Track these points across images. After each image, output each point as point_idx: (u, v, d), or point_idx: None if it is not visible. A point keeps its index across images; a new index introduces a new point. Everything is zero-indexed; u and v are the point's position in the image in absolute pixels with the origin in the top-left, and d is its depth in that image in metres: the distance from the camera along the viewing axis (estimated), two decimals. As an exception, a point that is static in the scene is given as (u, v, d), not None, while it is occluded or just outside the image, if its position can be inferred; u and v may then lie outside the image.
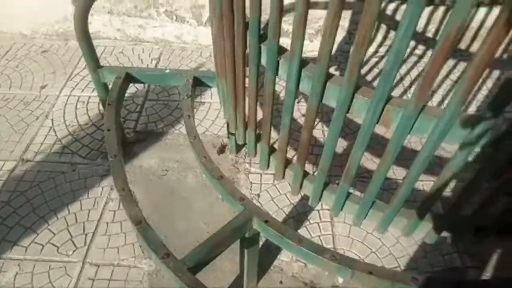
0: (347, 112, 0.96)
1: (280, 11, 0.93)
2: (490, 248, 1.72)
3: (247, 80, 1.22)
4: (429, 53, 2.64)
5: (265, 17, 1.66)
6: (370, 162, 2.02)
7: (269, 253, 1.71)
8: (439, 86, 2.45)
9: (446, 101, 2.33)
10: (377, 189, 1.08)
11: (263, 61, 1.08)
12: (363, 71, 2.55)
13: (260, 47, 1.06)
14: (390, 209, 1.13)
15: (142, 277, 1.61)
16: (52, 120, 2.19)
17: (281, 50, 1.02)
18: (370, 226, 1.76)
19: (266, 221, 1.22)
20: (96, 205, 1.83)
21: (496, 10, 2.44)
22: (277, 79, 1.09)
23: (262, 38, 1.06)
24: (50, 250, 1.68)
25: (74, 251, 1.68)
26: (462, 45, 2.60)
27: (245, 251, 1.37)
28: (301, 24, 0.89)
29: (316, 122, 2.18)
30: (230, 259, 1.68)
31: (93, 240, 1.72)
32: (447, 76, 2.52)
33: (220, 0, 1.11)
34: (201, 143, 1.47)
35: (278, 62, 1.03)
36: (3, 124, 2.16)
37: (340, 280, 1.64)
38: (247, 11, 1.04)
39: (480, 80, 2.44)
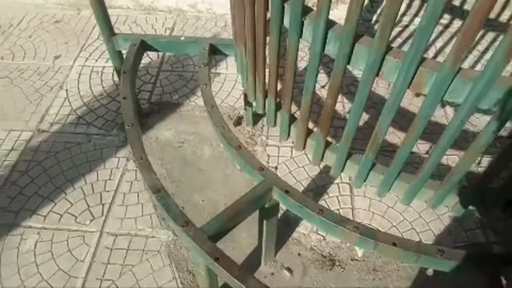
0: (377, 75, 0.91)
1: (307, -35, 0.87)
2: (515, 223, 1.67)
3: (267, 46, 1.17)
4: (455, 22, 2.52)
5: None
6: (392, 135, 1.95)
7: (287, 225, 1.69)
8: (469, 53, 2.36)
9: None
10: (405, 157, 1.03)
11: (286, 22, 1.02)
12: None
13: (283, 7, 1.00)
14: (417, 180, 1.08)
15: (160, 247, 1.61)
16: (66, 90, 2.17)
17: (306, 10, 0.96)
18: (391, 200, 1.72)
19: (286, 191, 1.19)
20: (112, 176, 1.82)
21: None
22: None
23: (285, -3, 0.99)
24: (68, 219, 1.68)
25: (91, 220, 1.68)
26: (492, 15, 2.47)
27: (264, 222, 1.35)
28: (330, -21, 0.83)
29: (334, 94, 2.12)
30: (248, 230, 1.66)
31: (110, 210, 1.71)
32: (476, 45, 2.42)
33: (240, -43, 1.05)
34: (219, 113, 1.43)
35: (302, 22, 0.97)
36: (18, 95, 2.14)
37: (360, 253, 1.61)
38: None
39: None
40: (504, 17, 2.48)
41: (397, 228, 1.66)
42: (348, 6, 0.84)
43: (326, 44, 0.96)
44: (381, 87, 2.15)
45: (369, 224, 1.68)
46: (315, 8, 0.96)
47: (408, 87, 0.89)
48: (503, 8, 2.45)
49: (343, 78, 0.98)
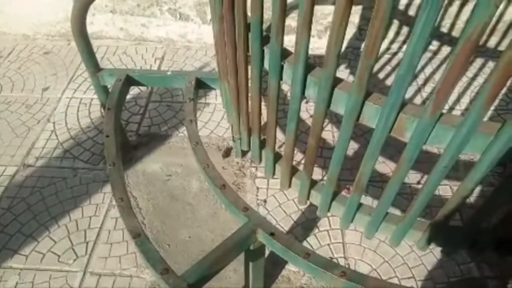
0: (357, 120, 0.89)
1: (283, 10, 0.86)
2: (510, 257, 1.62)
3: (250, 83, 1.15)
4: (444, 49, 2.53)
5: (268, 17, 1.58)
6: (382, 165, 1.93)
7: (276, 262, 1.64)
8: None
9: (462, 100, 2.23)
10: (390, 201, 1.00)
11: (266, 65, 1.00)
12: (374, 69, 2.46)
13: (263, 50, 0.98)
14: (404, 222, 1.05)
15: (145, 287, 1.56)
16: (53, 123, 2.14)
17: (285, 53, 0.95)
18: (383, 234, 1.68)
19: (271, 234, 1.15)
20: (97, 212, 1.78)
21: (514, 4, 2.32)
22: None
23: (265, 40, 0.98)
24: (50, 259, 1.63)
25: (75, 260, 1.63)
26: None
27: (250, 263, 1.30)
28: (306, 24, 0.82)
29: (325, 124, 2.10)
30: (235, 269, 1.61)
31: (94, 248, 1.66)
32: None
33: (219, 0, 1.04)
34: (204, 150, 1.40)
35: (282, 66, 0.96)
36: (4, 128, 2.12)
37: (351, 291, 1.56)
38: (249, 12, 0.97)
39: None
40: (491, 43, 2.50)
41: (389, 264, 1.62)
42: (325, 52, 0.82)
43: (306, 88, 0.94)
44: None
45: (361, 260, 1.63)
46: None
47: (390, 132, 0.87)
48: (490, 35, 2.47)
49: (324, 120, 0.95)
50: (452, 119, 0.81)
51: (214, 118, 2.17)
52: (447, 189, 1.81)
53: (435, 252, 1.65)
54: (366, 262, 1.61)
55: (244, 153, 1.97)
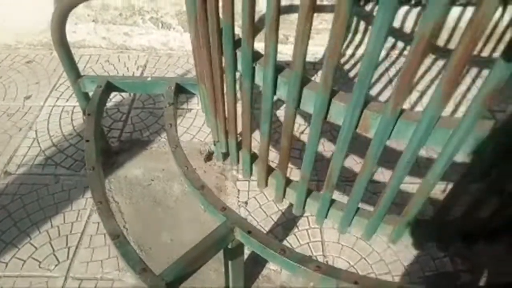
0: (325, 118, 0.93)
1: (252, 15, 0.90)
2: (482, 251, 1.68)
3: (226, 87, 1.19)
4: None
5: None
6: (359, 166, 1.98)
7: (257, 262, 1.67)
8: (417, 83, 2.44)
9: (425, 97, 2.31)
10: (360, 196, 1.04)
11: (239, 68, 1.04)
12: (350, 73, 2.53)
13: (235, 54, 1.03)
14: (374, 216, 1.10)
15: (127, 291, 1.57)
16: (36, 131, 2.15)
17: (257, 56, 0.99)
18: (356, 228, 1.73)
19: (249, 232, 1.19)
20: (79, 217, 1.79)
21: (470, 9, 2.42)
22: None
23: (237, 43, 1.02)
24: (31, 265, 1.63)
25: (56, 265, 1.63)
26: (440, 42, 2.58)
27: (229, 262, 1.33)
28: (273, 28, 0.86)
29: (304, 127, 2.15)
30: (217, 269, 1.64)
31: (76, 253, 1.67)
32: (426, 72, 2.51)
33: (194, 6, 1.08)
34: (183, 153, 1.43)
35: (254, 68, 1.00)
36: (-15, 137, 2.12)
37: (330, 288, 1.60)
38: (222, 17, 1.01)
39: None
40: (451, 45, 2.58)
41: (367, 260, 1.66)
42: (292, 54, 0.87)
43: (277, 88, 0.98)
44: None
45: (339, 257, 1.67)
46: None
47: (355, 129, 0.92)
48: (450, 37, 2.56)
49: (294, 120, 1.00)
50: (413, 115, 0.86)
51: (196, 123, 2.21)
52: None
53: (411, 248, 1.70)
54: (344, 259, 1.65)
55: (225, 157, 2.01)
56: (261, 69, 0.98)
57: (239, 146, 1.30)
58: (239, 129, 1.23)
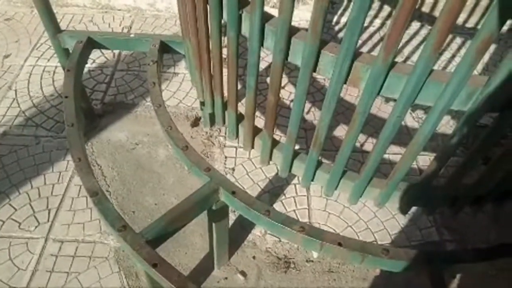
0: (314, 71, 0.88)
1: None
2: (467, 222, 1.68)
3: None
4: (414, 24, 2.55)
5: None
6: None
7: (242, 228, 1.65)
8: (403, 48, 2.39)
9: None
10: (347, 156, 1.01)
11: (225, 16, 0.98)
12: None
13: (221, 1, 0.96)
14: (361, 178, 1.07)
15: (108, 253, 1.54)
16: (15, 91, 2.06)
17: (243, 3, 0.93)
18: (342, 191, 1.71)
19: (233, 192, 1.15)
20: (61, 180, 1.74)
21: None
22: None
23: (223, -10, 0.96)
24: (11, 226, 1.59)
25: (36, 227, 1.59)
26: (425, 8, 2.52)
27: (214, 224, 1.30)
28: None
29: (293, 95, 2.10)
30: (202, 235, 1.61)
31: (57, 215, 1.63)
32: (411, 38, 2.46)
33: (177, -51, 1.00)
34: (167, 112, 1.37)
35: (240, 16, 0.94)
36: (-38, 96, 2.03)
37: (315, 254, 1.59)
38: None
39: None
40: (436, 13, 2.52)
41: (353, 228, 1.65)
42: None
43: (264, 39, 0.93)
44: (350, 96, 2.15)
45: (325, 225, 1.66)
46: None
47: (345, 83, 0.87)
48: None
49: (282, 74, 0.95)
50: (405, 67, 0.81)
51: (183, 88, 2.14)
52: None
53: (397, 218, 1.69)
54: (330, 227, 1.64)
55: (212, 122, 1.96)
56: (247, 17, 0.92)
57: (225, 105, 1.25)
58: (225, 87, 1.18)
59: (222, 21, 1.02)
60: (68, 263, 1.51)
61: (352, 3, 0.72)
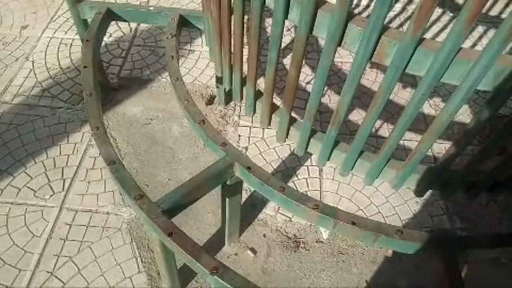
0: (339, 44, 0.87)
1: None
2: (480, 212, 1.67)
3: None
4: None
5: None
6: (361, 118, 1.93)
7: (253, 206, 1.66)
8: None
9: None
10: (366, 135, 1.00)
11: (250, -12, 0.97)
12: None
13: (246, -29, 0.95)
14: (379, 158, 1.06)
15: (121, 224, 1.56)
16: (32, 62, 2.07)
17: (269, -26, 0.91)
18: (359, 183, 1.71)
19: (248, 168, 1.15)
20: (76, 151, 1.76)
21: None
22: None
23: (249, -39, 0.95)
24: (26, 194, 1.61)
25: (51, 195, 1.62)
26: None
27: (227, 199, 1.31)
28: None
29: (311, 77, 2.08)
30: (213, 210, 1.63)
31: (71, 185, 1.65)
32: (434, 23, 2.41)
33: None
34: (184, 86, 1.37)
35: (265, -13, 0.93)
36: (-20, 64, 2.05)
37: (325, 235, 1.60)
38: None
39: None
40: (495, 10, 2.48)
41: (364, 212, 1.65)
42: (309, -32, 0.80)
43: (289, 11, 0.91)
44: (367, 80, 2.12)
45: (337, 207, 1.65)
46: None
47: (370, 58, 0.86)
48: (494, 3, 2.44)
49: (305, 47, 0.94)
50: (433, 44, 0.80)
51: (199, 65, 2.13)
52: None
53: (409, 204, 1.68)
54: (341, 209, 1.64)
55: (227, 101, 1.95)
56: (273, -12, 0.90)
57: (243, 81, 1.24)
58: (245, 63, 1.17)
59: (246, -7, 1.01)
60: (82, 232, 1.53)
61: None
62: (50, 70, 2.03)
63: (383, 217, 1.65)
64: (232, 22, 1.11)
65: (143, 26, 2.24)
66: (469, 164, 1.06)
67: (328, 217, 1.07)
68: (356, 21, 0.83)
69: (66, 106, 1.90)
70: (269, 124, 1.24)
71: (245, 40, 1.11)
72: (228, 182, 1.22)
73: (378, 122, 1.92)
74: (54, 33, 2.21)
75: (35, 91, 1.95)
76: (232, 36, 1.15)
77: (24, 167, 1.68)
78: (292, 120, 1.20)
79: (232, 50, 1.21)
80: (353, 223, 1.06)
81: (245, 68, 1.28)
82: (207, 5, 1.21)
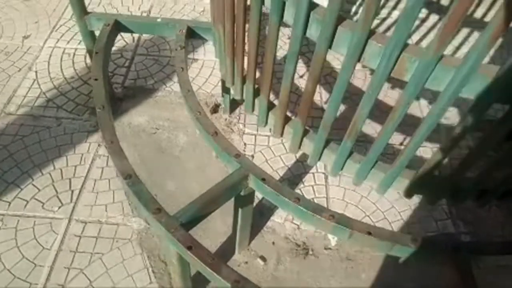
0: (358, 60, 0.89)
1: None
2: (483, 216, 1.71)
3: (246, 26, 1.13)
4: (431, 17, 2.54)
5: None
6: (367, 126, 1.96)
7: (262, 214, 1.67)
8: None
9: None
10: (384, 145, 1.02)
11: (267, 3, 0.99)
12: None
13: (264, -12, 0.97)
14: (394, 169, 1.08)
15: (131, 235, 1.56)
16: (36, 72, 2.07)
17: (289, -9, 0.93)
18: (365, 190, 1.73)
19: (263, 179, 1.17)
20: (83, 161, 1.75)
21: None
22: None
23: (267, -23, 0.96)
24: (34, 206, 1.61)
25: (60, 207, 1.61)
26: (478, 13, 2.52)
27: (240, 210, 1.32)
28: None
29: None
30: (222, 219, 1.63)
31: (80, 197, 1.65)
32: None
33: None
34: (195, 97, 1.38)
35: (284, 3, 0.94)
36: (-18, 75, 2.03)
37: (333, 242, 1.62)
38: None
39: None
40: (478, 14, 2.53)
41: (370, 218, 1.67)
42: (331, -13, 0.82)
43: (308, 27, 0.93)
44: (359, 79, 2.16)
45: (343, 214, 1.67)
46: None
47: (390, 74, 0.88)
48: (477, 6, 2.50)
49: (324, 62, 0.96)
50: (453, 60, 0.82)
51: (202, 74, 2.14)
52: (428, 151, 1.87)
53: (414, 209, 1.71)
54: (348, 216, 1.66)
55: (232, 109, 1.97)
56: (292, 5, 0.92)
57: (256, 92, 1.26)
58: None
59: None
60: (92, 244, 1.53)
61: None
62: (54, 80, 2.03)
63: (389, 222, 1.67)
64: (246, 36, 1.12)
65: (145, 35, 2.24)
66: (482, 172, 1.09)
67: (344, 227, 1.09)
68: (377, 37, 0.85)
69: (72, 116, 1.89)
70: (282, 135, 1.26)
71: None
72: (242, 193, 1.24)
73: (377, 127, 1.95)
74: (57, 42, 2.21)
75: (39, 101, 1.94)
76: (246, 49, 1.17)
77: (32, 179, 1.68)
78: (305, 131, 1.22)
79: (245, 62, 1.23)
80: (369, 233, 1.08)
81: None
82: (219, 19, 1.22)
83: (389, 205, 1.72)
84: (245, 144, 1.88)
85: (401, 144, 1.93)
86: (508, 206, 1.77)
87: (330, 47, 0.92)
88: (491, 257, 1.13)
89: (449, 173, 1.10)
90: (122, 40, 2.23)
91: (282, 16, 0.97)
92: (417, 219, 1.69)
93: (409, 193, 1.15)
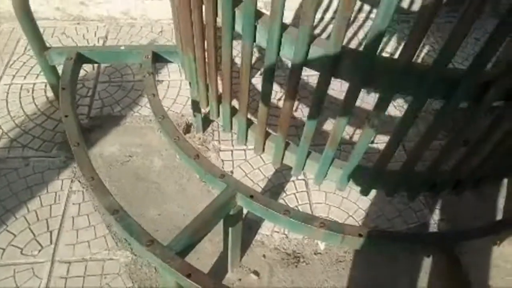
0: (332, 75, 0.93)
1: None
2: (456, 202, 1.80)
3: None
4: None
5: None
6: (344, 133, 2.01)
7: (249, 228, 1.68)
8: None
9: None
10: (363, 151, 1.07)
11: (238, 27, 1.01)
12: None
13: (234, 12, 0.99)
14: (373, 171, 1.13)
15: (119, 269, 1.53)
16: (-6, 112, 1.98)
17: (258, 14, 0.96)
18: (345, 191, 1.78)
19: (251, 196, 1.19)
20: (58, 200, 1.70)
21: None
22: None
23: (235, 2, 0.98)
24: (12, 252, 1.54)
25: (40, 250, 1.55)
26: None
27: (230, 229, 1.33)
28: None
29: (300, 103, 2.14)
30: (210, 239, 1.63)
31: (59, 236, 1.59)
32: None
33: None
34: (172, 122, 1.38)
35: (255, 27, 0.97)
36: None
37: (322, 246, 1.65)
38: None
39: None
40: None
41: (354, 218, 1.73)
42: (302, 8, 0.85)
43: (280, 48, 0.96)
44: (334, 90, 2.22)
45: (328, 217, 1.72)
46: (265, 11, 0.97)
47: (365, 86, 0.92)
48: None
49: (299, 80, 0.99)
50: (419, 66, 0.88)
51: (169, 95, 2.13)
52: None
53: (394, 203, 1.78)
54: (333, 218, 1.71)
55: (205, 127, 1.97)
56: (264, 28, 0.95)
57: (233, 112, 1.28)
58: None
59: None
60: (79, 283, 1.48)
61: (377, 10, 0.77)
62: (15, 119, 1.95)
63: (372, 219, 1.73)
64: (221, 61, 1.14)
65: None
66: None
67: (335, 233, 1.13)
68: (348, 53, 0.89)
69: (39, 154, 1.83)
70: (263, 151, 1.28)
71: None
72: (231, 212, 1.25)
73: (350, 129, 2.02)
74: (13, 79, 2.12)
75: (3, 142, 1.86)
76: (219, 72, 1.18)
77: (5, 225, 1.60)
78: (287, 144, 1.24)
79: (219, 84, 1.24)
80: (360, 235, 1.12)
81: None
82: (188, 46, 1.23)
83: (369, 203, 1.78)
84: (222, 161, 1.89)
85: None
86: (477, 190, 1.88)
87: (304, 64, 0.95)
88: (475, 241, 1.21)
89: (427, 168, 1.16)
90: (82, 69, 2.18)
91: (254, 39, 0.99)
92: (398, 213, 1.76)
93: (390, 193, 1.21)
